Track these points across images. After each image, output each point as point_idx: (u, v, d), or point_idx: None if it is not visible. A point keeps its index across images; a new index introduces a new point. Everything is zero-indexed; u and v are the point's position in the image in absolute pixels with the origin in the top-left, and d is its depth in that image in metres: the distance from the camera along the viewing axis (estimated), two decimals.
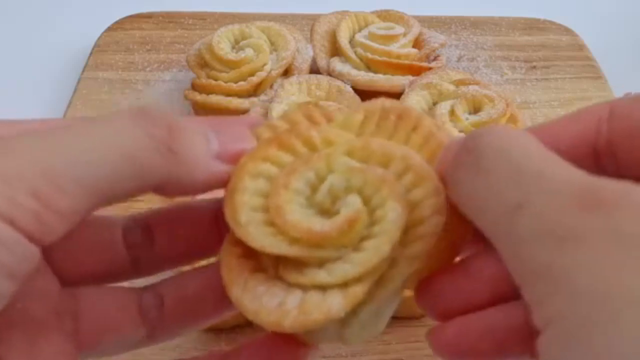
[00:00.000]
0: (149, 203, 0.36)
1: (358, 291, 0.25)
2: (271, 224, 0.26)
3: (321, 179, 0.27)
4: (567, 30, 0.83)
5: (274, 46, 0.68)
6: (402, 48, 0.67)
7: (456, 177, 0.24)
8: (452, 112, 0.59)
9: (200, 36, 0.71)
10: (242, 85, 0.64)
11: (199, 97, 0.65)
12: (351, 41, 0.69)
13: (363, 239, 0.26)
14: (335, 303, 0.24)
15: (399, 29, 0.69)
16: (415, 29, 0.69)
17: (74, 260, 0.29)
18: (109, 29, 0.80)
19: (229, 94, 0.64)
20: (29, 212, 0.21)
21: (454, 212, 0.26)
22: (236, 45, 0.67)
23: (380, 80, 0.65)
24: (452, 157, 0.24)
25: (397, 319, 0.51)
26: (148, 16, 0.82)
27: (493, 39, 0.81)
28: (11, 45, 0.81)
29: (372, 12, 0.72)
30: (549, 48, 0.80)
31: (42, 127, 0.25)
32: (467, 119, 0.59)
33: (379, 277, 0.25)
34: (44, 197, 0.21)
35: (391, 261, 0.26)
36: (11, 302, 0.23)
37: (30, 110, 0.71)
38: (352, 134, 0.28)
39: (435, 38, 0.70)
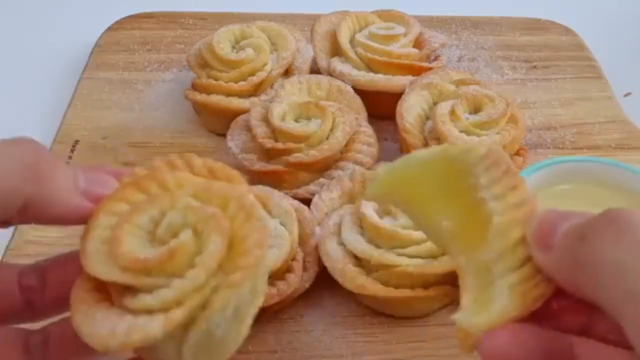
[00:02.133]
0: None
1: (177, 314, 0.27)
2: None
3: (164, 216, 0.30)
4: (567, 30, 0.83)
5: (274, 46, 0.68)
6: (402, 48, 0.67)
7: (594, 244, 0.26)
8: (452, 112, 0.59)
9: (201, 36, 0.71)
10: (243, 85, 0.64)
11: (200, 97, 0.64)
12: (352, 41, 0.69)
13: (191, 267, 0.29)
14: (155, 325, 0.27)
15: (399, 29, 0.68)
16: (416, 29, 0.69)
17: None
18: (110, 28, 0.80)
19: (229, 94, 0.64)
20: None
21: (541, 272, 0.29)
22: (236, 45, 0.67)
23: (381, 80, 0.65)
24: (589, 225, 0.27)
25: (399, 319, 0.51)
26: (149, 16, 0.82)
27: (493, 39, 0.81)
28: (11, 45, 0.81)
29: (373, 12, 0.72)
30: (550, 48, 0.80)
31: None
32: (467, 118, 0.59)
33: (203, 302, 0.28)
34: None
35: (214, 288, 0.28)
36: None
37: (30, 110, 0.71)
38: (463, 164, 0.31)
39: (436, 38, 0.70)
